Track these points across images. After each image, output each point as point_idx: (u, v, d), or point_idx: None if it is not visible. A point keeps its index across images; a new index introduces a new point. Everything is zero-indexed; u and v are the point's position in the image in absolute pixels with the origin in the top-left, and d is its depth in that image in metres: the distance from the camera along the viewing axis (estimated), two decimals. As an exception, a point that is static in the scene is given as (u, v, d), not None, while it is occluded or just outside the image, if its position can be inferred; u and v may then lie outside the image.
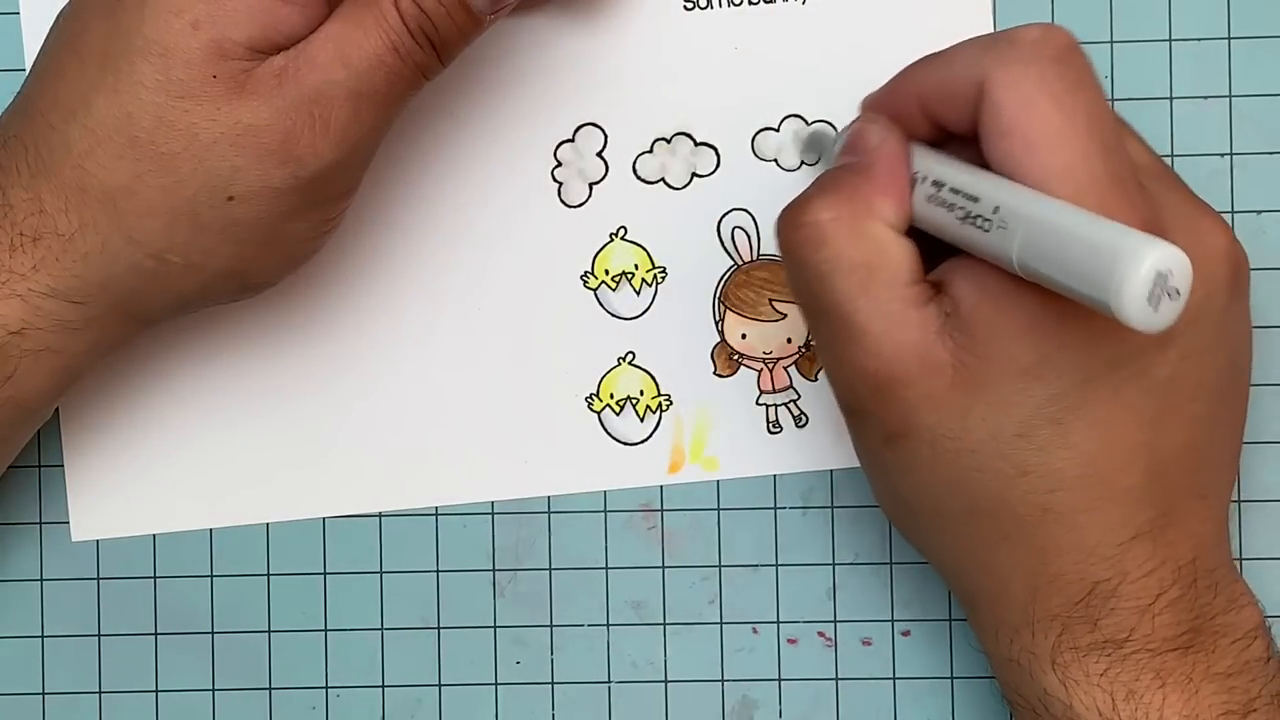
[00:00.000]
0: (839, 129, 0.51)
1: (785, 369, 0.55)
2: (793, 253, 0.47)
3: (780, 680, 0.55)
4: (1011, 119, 0.45)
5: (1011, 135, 0.45)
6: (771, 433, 0.55)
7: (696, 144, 0.55)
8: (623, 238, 0.55)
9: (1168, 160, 0.54)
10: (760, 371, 0.55)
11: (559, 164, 0.55)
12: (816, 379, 0.55)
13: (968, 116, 0.46)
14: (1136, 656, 0.46)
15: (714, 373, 0.55)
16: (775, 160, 0.55)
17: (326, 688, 0.56)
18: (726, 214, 0.55)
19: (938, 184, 0.46)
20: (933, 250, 0.47)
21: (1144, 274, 0.40)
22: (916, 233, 0.47)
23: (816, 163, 0.55)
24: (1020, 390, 0.45)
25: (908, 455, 0.47)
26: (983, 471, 0.46)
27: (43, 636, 0.56)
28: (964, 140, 0.47)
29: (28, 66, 0.55)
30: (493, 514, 0.56)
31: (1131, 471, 0.46)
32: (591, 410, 0.55)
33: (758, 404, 0.55)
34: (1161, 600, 0.46)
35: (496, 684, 0.56)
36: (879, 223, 0.47)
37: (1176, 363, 0.46)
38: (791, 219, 0.47)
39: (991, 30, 0.55)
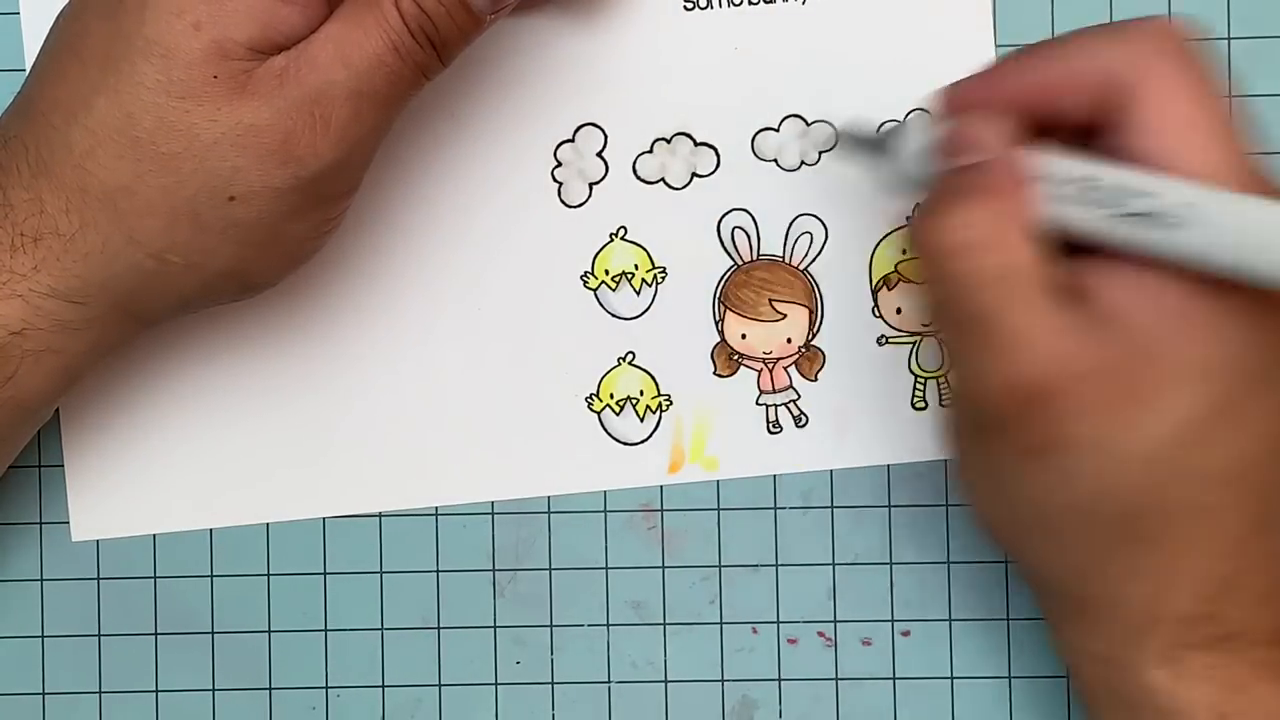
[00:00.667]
0: (902, 119, 0.50)
1: (785, 369, 0.55)
2: (936, 264, 0.46)
3: (780, 680, 0.55)
4: (1165, 114, 0.44)
5: (1165, 133, 0.44)
6: (771, 433, 0.55)
7: (696, 144, 0.55)
8: (623, 238, 0.55)
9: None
10: (760, 371, 0.55)
11: (559, 164, 0.55)
12: (816, 379, 0.55)
13: (1089, 110, 0.45)
14: (1249, 650, 0.46)
15: (714, 373, 0.55)
16: (775, 160, 0.55)
17: (326, 688, 0.56)
18: (726, 214, 0.55)
19: (1076, 180, 0.45)
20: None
21: None
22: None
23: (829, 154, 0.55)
24: (1177, 392, 0.44)
25: (1053, 467, 0.45)
26: (1135, 476, 0.45)
27: (43, 636, 0.56)
28: (1065, 136, 0.46)
29: (28, 66, 0.55)
30: (493, 514, 0.56)
31: (1272, 467, 0.45)
32: (591, 410, 0.55)
33: (758, 404, 0.55)
34: (1276, 592, 0.46)
35: (496, 684, 0.56)
36: (1019, 227, 0.45)
37: None
38: (929, 229, 0.46)
39: (991, 31, 0.55)
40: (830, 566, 0.55)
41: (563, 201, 0.55)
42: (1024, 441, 0.46)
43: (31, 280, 0.48)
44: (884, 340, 0.55)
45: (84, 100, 0.47)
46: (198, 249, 0.48)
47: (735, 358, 0.55)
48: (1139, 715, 0.47)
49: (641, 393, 0.55)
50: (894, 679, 0.55)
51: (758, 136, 0.55)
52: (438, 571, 0.56)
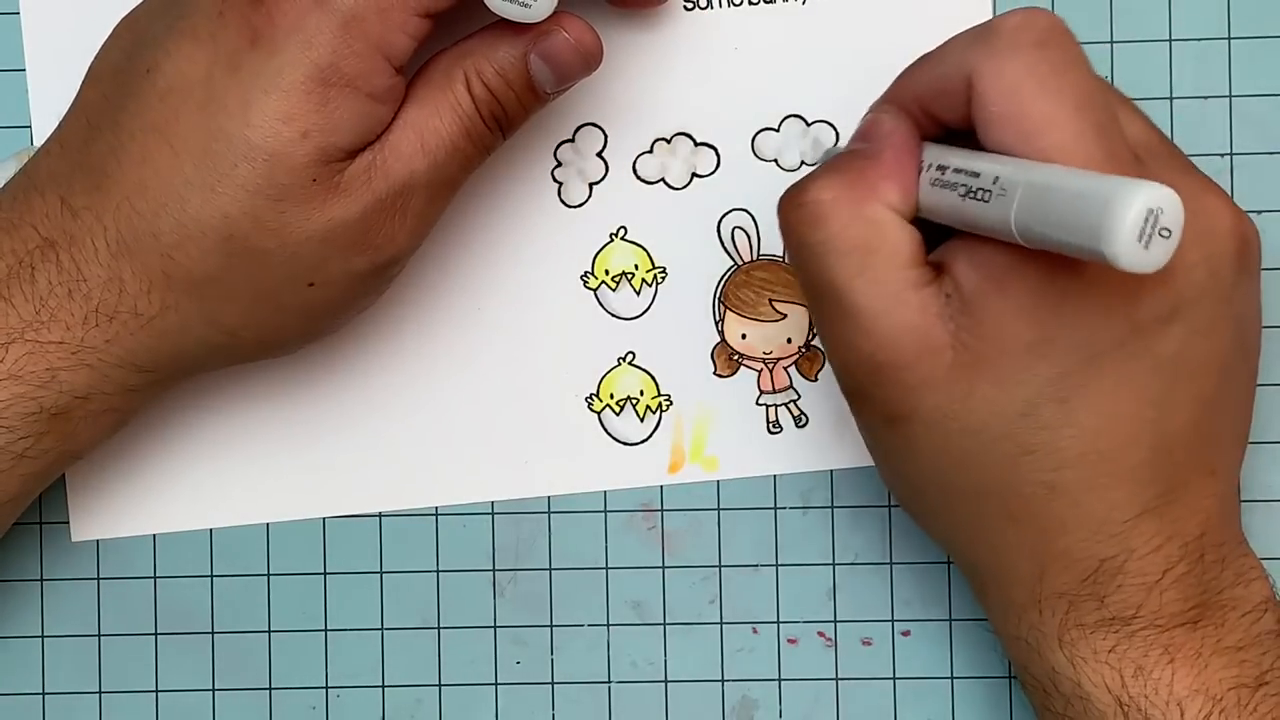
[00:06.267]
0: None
1: (785, 369, 0.55)
2: (792, 232, 0.47)
3: (780, 680, 0.55)
4: (999, 109, 0.45)
5: (1002, 124, 0.45)
6: (771, 433, 0.55)
7: (696, 144, 0.55)
8: (623, 238, 0.55)
9: (1168, 160, 0.54)
10: (760, 371, 0.55)
11: (559, 164, 0.55)
12: (816, 379, 0.55)
13: (963, 112, 0.46)
14: (1144, 633, 0.46)
15: (714, 373, 0.55)
16: (775, 160, 0.55)
17: (326, 688, 0.56)
18: (726, 214, 0.55)
19: (941, 167, 0.47)
20: (938, 242, 0.47)
21: (1134, 212, 0.40)
22: (923, 224, 0.47)
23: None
24: (1023, 370, 0.45)
25: (910, 437, 0.47)
26: (986, 452, 0.46)
27: (43, 636, 0.56)
28: (971, 135, 0.47)
29: (28, 66, 0.55)
30: (493, 514, 0.56)
31: (1137, 449, 0.46)
32: (591, 410, 0.55)
33: (758, 404, 0.55)
34: (1169, 576, 0.46)
35: (496, 684, 0.56)
36: (880, 205, 0.47)
37: (1182, 339, 0.45)
38: (792, 198, 0.48)
39: (991, 30, 0.55)
40: (830, 566, 0.55)
41: (563, 201, 0.55)
42: (881, 410, 0.47)
43: (103, 352, 0.48)
44: (884, 340, 0.55)
45: (176, 193, 0.47)
46: (271, 326, 0.49)
47: (735, 358, 0.55)
48: (1050, 699, 0.48)
49: (641, 393, 0.55)
50: (894, 679, 0.55)
51: (758, 136, 0.55)
52: (438, 571, 0.56)
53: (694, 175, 0.55)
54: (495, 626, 0.56)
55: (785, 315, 0.55)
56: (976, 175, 0.45)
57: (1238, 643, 0.47)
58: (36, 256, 0.48)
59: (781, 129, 0.55)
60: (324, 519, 0.56)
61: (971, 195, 0.45)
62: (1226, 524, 0.48)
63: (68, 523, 0.56)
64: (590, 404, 0.55)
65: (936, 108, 0.47)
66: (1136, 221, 0.40)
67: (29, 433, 0.48)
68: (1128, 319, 0.45)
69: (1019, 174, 0.44)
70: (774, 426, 0.55)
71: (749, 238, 0.55)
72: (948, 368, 0.45)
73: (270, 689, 0.56)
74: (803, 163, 0.55)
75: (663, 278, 0.55)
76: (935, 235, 0.47)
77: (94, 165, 0.48)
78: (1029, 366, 0.45)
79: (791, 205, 0.47)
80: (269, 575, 0.56)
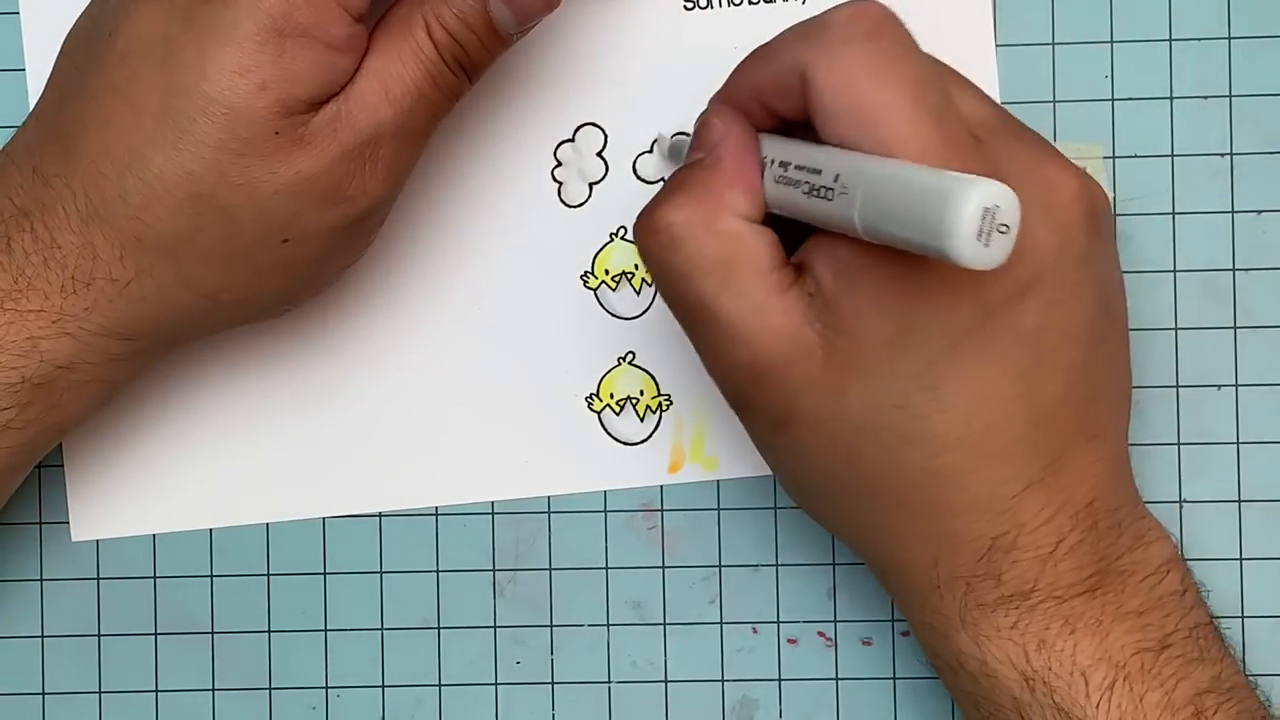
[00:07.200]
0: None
1: (785, 369, 0.55)
2: (651, 257, 0.48)
3: (780, 680, 0.55)
4: (835, 102, 0.45)
5: (838, 118, 0.45)
6: (771, 433, 0.55)
7: (696, 144, 0.55)
8: (623, 238, 0.55)
9: (1165, 159, 0.54)
10: (760, 371, 0.55)
11: (559, 164, 0.55)
12: (816, 379, 0.55)
13: (800, 105, 0.46)
14: (1044, 606, 0.47)
15: (714, 373, 0.55)
16: (775, 160, 0.55)
17: (326, 688, 0.56)
18: (726, 214, 0.55)
19: (783, 164, 0.46)
20: (798, 234, 0.47)
21: (971, 212, 0.41)
22: (780, 218, 0.47)
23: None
24: (889, 363, 0.45)
25: (797, 440, 0.47)
26: (868, 447, 0.46)
27: (43, 636, 0.56)
28: (810, 125, 0.47)
29: (27, 66, 0.55)
30: (493, 514, 0.56)
31: (1013, 425, 0.46)
32: (591, 410, 0.55)
33: (758, 404, 0.55)
34: (1062, 547, 0.47)
35: (496, 684, 0.56)
36: (731, 216, 0.47)
37: (1042, 312, 0.46)
38: (645, 224, 0.48)
39: (991, 31, 0.55)
40: (830, 566, 0.55)
41: (563, 201, 0.55)
42: (766, 418, 0.47)
43: (83, 320, 0.48)
44: (884, 340, 0.55)
45: (138, 152, 0.47)
46: (250, 287, 0.49)
47: (735, 358, 0.55)
48: (960, 681, 0.48)
49: (641, 393, 0.55)
50: (894, 679, 0.55)
51: (758, 136, 0.55)
52: (438, 571, 0.56)
53: (694, 175, 0.55)
54: (495, 626, 0.56)
55: (785, 315, 0.55)
56: (818, 173, 0.45)
57: (1139, 607, 0.47)
58: (12, 226, 0.48)
59: (781, 129, 0.55)
60: (324, 519, 0.56)
61: (815, 194, 0.45)
62: (1118, 488, 0.48)
63: (68, 523, 0.56)
64: (590, 404, 0.55)
65: (774, 103, 0.47)
66: (974, 220, 0.41)
67: (12, 403, 0.48)
68: (981, 301, 0.45)
69: (859, 170, 0.44)
70: (774, 426, 0.55)
71: (749, 238, 0.55)
72: (821, 368, 0.46)
73: (270, 689, 0.56)
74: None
75: (663, 278, 0.55)
76: (791, 226, 0.47)
77: (63, 133, 0.48)
78: (893, 359, 0.45)
79: (646, 231, 0.47)
80: (269, 575, 0.56)
